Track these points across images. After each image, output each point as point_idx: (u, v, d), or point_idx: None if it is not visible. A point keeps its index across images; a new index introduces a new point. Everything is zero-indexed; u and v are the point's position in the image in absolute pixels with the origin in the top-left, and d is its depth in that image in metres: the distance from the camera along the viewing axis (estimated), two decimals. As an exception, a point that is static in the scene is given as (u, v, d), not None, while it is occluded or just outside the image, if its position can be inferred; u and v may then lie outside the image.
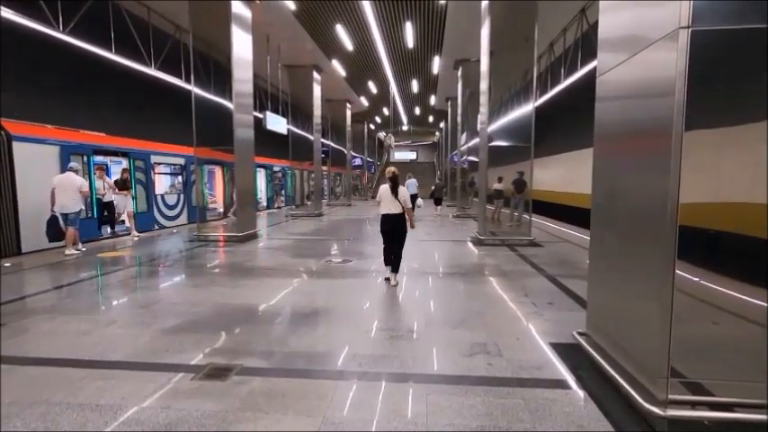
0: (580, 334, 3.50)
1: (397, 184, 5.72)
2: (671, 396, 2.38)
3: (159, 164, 12.72)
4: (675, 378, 2.40)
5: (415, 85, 23.15)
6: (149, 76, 12.10)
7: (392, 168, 5.97)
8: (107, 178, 10.36)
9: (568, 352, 3.47)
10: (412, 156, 51.18)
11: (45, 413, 2.60)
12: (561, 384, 2.98)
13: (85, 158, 9.92)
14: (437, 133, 42.49)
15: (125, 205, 10.57)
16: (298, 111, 17.71)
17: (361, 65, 18.45)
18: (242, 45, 10.01)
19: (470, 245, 9.53)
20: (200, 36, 9.95)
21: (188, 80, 10.36)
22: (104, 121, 11.96)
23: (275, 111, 15.82)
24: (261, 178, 20.00)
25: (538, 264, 7.20)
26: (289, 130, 16.52)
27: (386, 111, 30.43)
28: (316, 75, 17.26)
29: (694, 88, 2.25)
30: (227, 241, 9.79)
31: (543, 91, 15.48)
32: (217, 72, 9.94)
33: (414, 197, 17.49)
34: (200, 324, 4.25)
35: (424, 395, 2.83)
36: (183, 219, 13.66)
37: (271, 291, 5.50)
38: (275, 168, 22.52)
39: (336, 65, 17.80)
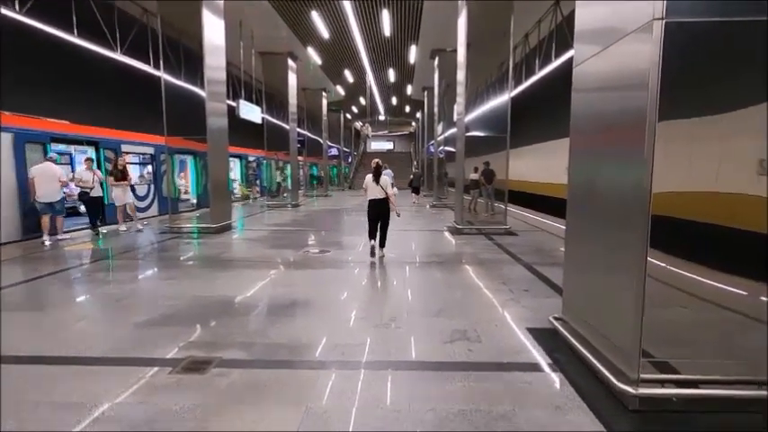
0: (556, 319, 3.61)
1: (380, 173, 6.71)
2: (642, 375, 2.49)
3: (129, 153, 12.25)
4: (646, 359, 2.51)
5: (391, 75, 23.00)
6: (119, 63, 11.58)
7: (376, 160, 6.98)
8: (97, 171, 9.51)
9: (545, 336, 3.57)
10: (389, 146, 51.10)
11: (15, 412, 2.49)
12: (539, 368, 3.07)
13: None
14: (414, 123, 42.51)
15: (124, 198, 9.75)
16: (273, 100, 17.34)
17: (338, 53, 18.17)
18: (214, 30, 9.69)
19: (448, 234, 9.63)
20: (169, 20, 9.57)
21: (157, 66, 9.97)
22: (70, 109, 11.41)
23: (249, 99, 15.46)
24: (235, 169, 19.58)
25: (514, 252, 7.35)
26: (263, 119, 16.19)
27: (362, 100, 30.17)
28: (291, 62, 16.92)
29: (668, 80, 2.32)
30: (201, 233, 9.56)
31: (519, 82, 15.68)
32: (188, 59, 9.60)
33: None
34: (176, 317, 4.15)
35: (405, 382, 2.86)
36: (154, 210, 13.25)
37: (249, 282, 5.42)
38: (250, 158, 22.07)
39: (312, 52, 17.48)
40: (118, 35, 11.33)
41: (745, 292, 2.50)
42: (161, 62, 9.56)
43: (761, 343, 2.52)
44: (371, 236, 6.87)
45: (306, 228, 11.11)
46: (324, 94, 24.58)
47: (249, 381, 2.88)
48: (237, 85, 16.76)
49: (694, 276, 2.52)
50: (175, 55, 9.72)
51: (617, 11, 2.81)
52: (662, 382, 2.54)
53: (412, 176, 20.40)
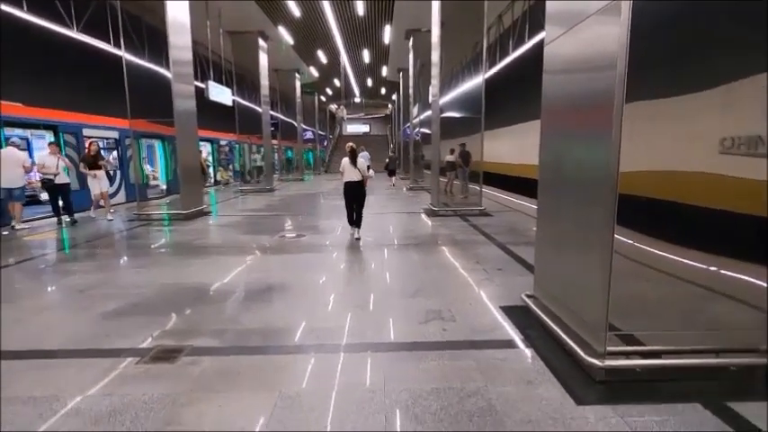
0: (528, 296, 3.68)
1: (356, 156, 6.96)
2: (608, 348, 2.57)
3: (91, 138, 11.67)
4: (613, 332, 2.59)
5: (366, 56, 22.63)
6: (78, 42, 10.92)
7: (351, 144, 7.19)
8: (62, 156, 8.87)
9: (517, 314, 3.64)
10: (365, 128, 50.62)
11: (-32, 410, 2.37)
12: (511, 344, 3.13)
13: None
14: (390, 105, 42.17)
15: (99, 186, 9.31)
16: (244, 81, 16.79)
17: (310, 33, 17.68)
18: (178, 7, 9.23)
19: (424, 216, 9.67)
20: (129, -5, 9.05)
21: (118, 45, 9.45)
22: (23, 90, 10.73)
23: (219, 81, 14.93)
24: (206, 152, 19.00)
25: (489, 233, 7.44)
26: (234, 101, 15.70)
27: (337, 82, 29.63)
28: (262, 42, 16.37)
29: (634, 61, 2.32)
30: (172, 219, 9.28)
31: (494, 63, 15.67)
32: (152, 38, 9.13)
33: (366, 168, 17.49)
34: (145, 306, 4.02)
35: (381, 363, 2.87)
36: (121, 197, 12.76)
37: (221, 269, 5.31)
38: (222, 142, 21.47)
39: (284, 32, 16.96)
40: (73, 11, 10.64)
41: (704, 266, 2.59)
42: (122, 40, 9.05)
43: (718, 313, 2.64)
44: (351, 220, 7.17)
45: (281, 212, 10.94)
46: (297, 75, 23.98)
47: (222, 368, 2.83)
48: (206, 66, 16.16)
49: (659, 252, 2.59)
50: (138, 33, 9.23)
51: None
52: (627, 354, 2.63)
53: (388, 159, 20.34)
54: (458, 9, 9.71)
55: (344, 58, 22.61)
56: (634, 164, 2.44)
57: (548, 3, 3.32)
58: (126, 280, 4.97)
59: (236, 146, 20.92)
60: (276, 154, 24.87)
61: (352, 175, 6.92)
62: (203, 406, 2.39)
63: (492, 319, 3.59)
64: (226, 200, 13.84)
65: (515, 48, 13.34)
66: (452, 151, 11.62)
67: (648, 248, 2.59)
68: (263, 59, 16.60)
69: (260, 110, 16.71)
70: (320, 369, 2.80)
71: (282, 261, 5.83)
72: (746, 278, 2.54)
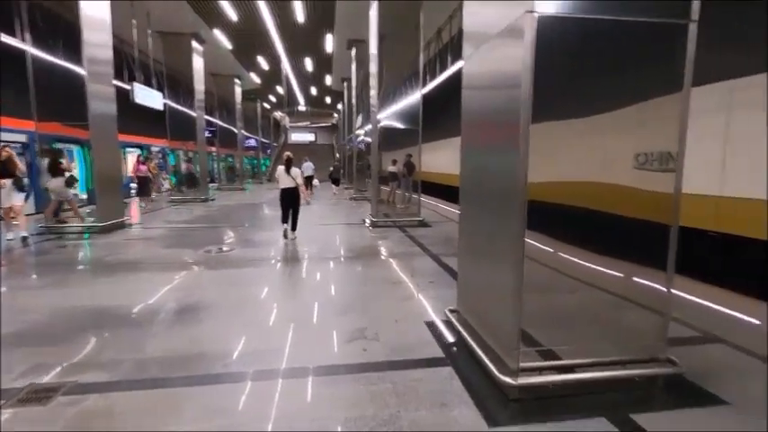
0: (451, 311, 3.64)
1: (291, 165, 7.56)
2: (522, 364, 2.55)
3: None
4: (534, 348, 2.58)
5: (309, 64, 22.33)
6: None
7: (288, 153, 7.84)
8: None
9: (440, 329, 3.58)
10: (310, 137, 49.89)
11: None
12: (431, 363, 3.04)
13: None
14: (336, 115, 41.98)
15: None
16: (179, 85, 15.87)
17: (249, 38, 17.12)
18: (94, 3, 8.50)
19: (363, 227, 9.54)
20: (36, -14, 8.22)
21: (22, 38, 8.52)
22: None
23: (149, 83, 13.99)
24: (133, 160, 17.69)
25: (425, 244, 7.46)
26: (166, 105, 14.78)
27: (280, 89, 29.00)
28: (196, 45, 15.60)
29: (542, 80, 2.35)
30: (86, 232, 8.43)
31: (434, 76, 16.04)
32: (69, 35, 8.33)
33: (309, 179, 17.23)
34: (30, 335, 3.52)
35: (291, 393, 2.66)
36: (30, 207, 11.45)
37: (131, 289, 4.82)
38: (153, 149, 20.16)
39: (220, 36, 16.30)
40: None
41: (620, 274, 2.66)
42: (24, 33, 8.17)
43: (629, 323, 2.72)
44: (284, 220, 7.79)
45: (212, 224, 10.33)
46: (237, 81, 23.16)
47: (105, 407, 2.47)
48: (134, 68, 15.09)
49: (579, 261, 2.64)
50: (53, 30, 8.40)
51: (495, 8, 2.81)
52: (541, 370, 2.63)
53: (332, 169, 20.15)
54: (397, 22, 9.81)
55: (286, 66, 22.15)
56: (559, 175, 2.50)
57: (465, 19, 3.35)
58: (15, 304, 4.35)
59: (170, 152, 19.74)
60: (218, 162, 23.78)
61: (287, 182, 7.54)
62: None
63: (415, 337, 3.49)
64: (153, 211, 12.90)
65: (453, 62, 13.74)
66: (395, 162, 11.69)
67: (566, 256, 2.63)
68: (198, 63, 15.83)
69: (195, 114, 15.87)
70: (220, 404, 2.54)
71: (203, 279, 5.42)
72: (655, 285, 2.65)
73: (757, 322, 3.66)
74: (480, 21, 3.14)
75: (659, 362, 2.69)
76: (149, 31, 13.98)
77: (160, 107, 14.01)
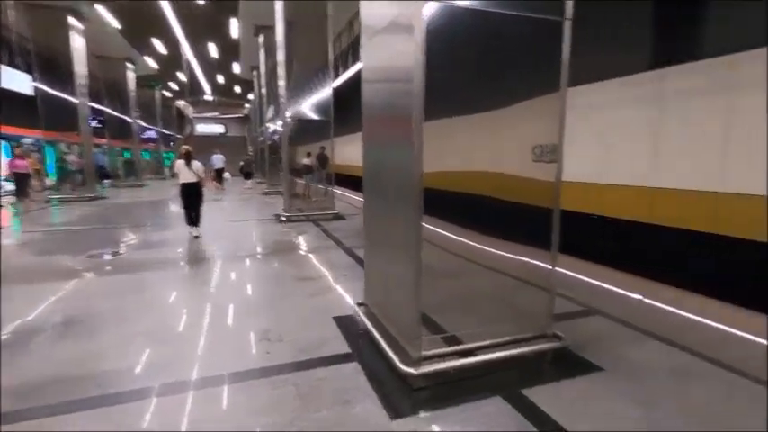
0: (359, 304, 3.59)
1: (190, 158, 7.09)
2: (425, 353, 2.57)
3: None
4: (437, 334, 2.62)
5: (213, 50, 20.85)
6: None
7: (186, 147, 7.42)
8: None
9: (349, 324, 3.51)
10: (220, 129, 46.77)
11: None
12: (336, 360, 2.95)
13: None
14: (247, 105, 39.88)
15: None
16: (57, 67, 13.69)
17: (140, 16, 15.46)
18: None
19: (276, 223, 9.16)
20: None
21: None
22: None
23: (13, 64, 11.96)
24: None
25: (339, 237, 7.36)
26: (38, 89, 12.77)
27: (182, 76, 26.74)
28: (74, 21, 13.65)
29: (433, 77, 2.34)
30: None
31: (347, 68, 15.89)
32: None
33: (220, 171, 16.22)
34: None
35: (187, 406, 2.40)
36: None
37: (5, 306, 4.06)
38: (26, 140, 17.40)
39: (104, 12, 14.47)
40: None
41: (516, 256, 2.81)
42: None
43: (523, 302, 2.89)
44: (189, 221, 7.36)
45: (103, 225, 9.19)
46: (129, 65, 20.83)
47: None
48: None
49: (480, 246, 2.73)
50: None
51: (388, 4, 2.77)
52: (443, 356, 2.68)
53: (242, 163, 19.16)
54: (304, 9, 9.49)
55: (187, 50, 20.45)
56: (458, 166, 2.59)
57: (361, 11, 3.27)
58: None
59: (47, 145, 17.19)
60: (110, 156, 21.24)
61: (188, 176, 7.09)
62: None
63: (322, 334, 3.38)
64: (25, 212, 11.12)
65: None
66: (309, 155, 11.39)
67: (469, 242, 2.71)
68: (78, 42, 13.90)
69: (77, 101, 13.94)
70: (98, 426, 2.21)
71: (96, 287, 4.74)
72: (543, 264, 2.84)
73: (631, 294, 4.14)
74: (375, 12, 3.07)
75: (547, 337, 2.90)
76: (12, 2, 11.92)
77: (29, 91, 12.07)
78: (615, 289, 4.31)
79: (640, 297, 4.05)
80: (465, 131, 2.67)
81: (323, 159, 10.21)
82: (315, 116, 9.92)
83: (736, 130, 4.22)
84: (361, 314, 3.40)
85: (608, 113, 5.71)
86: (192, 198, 7.22)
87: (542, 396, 2.47)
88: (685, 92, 4.73)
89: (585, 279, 4.60)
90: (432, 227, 2.58)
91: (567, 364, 2.83)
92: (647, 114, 5.12)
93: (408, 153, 2.45)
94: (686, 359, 2.91)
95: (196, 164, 7.10)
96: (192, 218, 7.34)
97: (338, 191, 9.92)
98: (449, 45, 2.43)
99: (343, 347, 3.14)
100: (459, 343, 2.78)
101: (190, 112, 40.28)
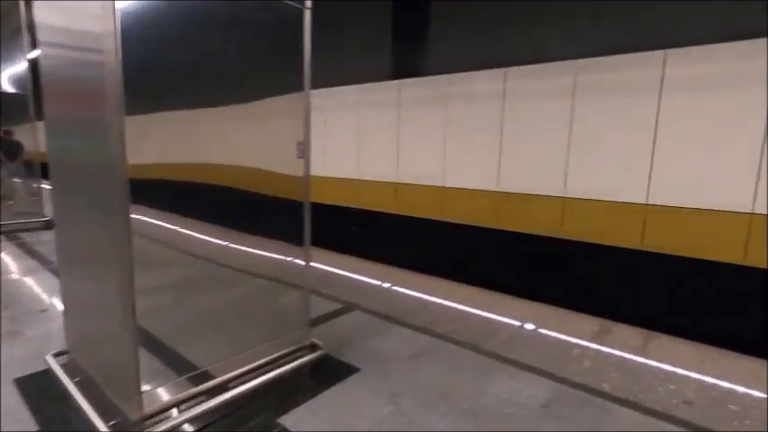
0: (57, 354, 2.57)
1: None
2: (147, 410, 1.95)
3: None
4: (183, 376, 2.04)
5: None
6: None
7: None
8: None
9: (39, 384, 2.47)
10: None
11: None
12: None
13: None
14: None
15: None
16: None
17: None
18: None
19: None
20: None
21: None
22: None
23: None
24: None
25: (47, 254, 5.47)
26: None
27: None
28: None
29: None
30: None
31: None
32: None
33: None
34: None
35: None
36: None
37: None
38: None
39: None
40: None
41: (275, 255, 2.49)
42: None
43: (279, 310, 2.59)
44: None
45: None
46: None
47: None
48: None
49: (226, 244, 2.29)
50: None
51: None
52: (183, 402, 2.11)
53: None
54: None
55: None
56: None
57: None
58: None
59: None
60: None
61: None
62: None
63: (-9, 409, 2.25)
64: None
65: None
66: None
67: (217, 241, 2.23)
68: None
69: None
70: None
71: None
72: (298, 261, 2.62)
73: (381, 284, 4.45)
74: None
75: (304, 349, 2.70)
76: None
77: None
78: (369, 280, 4.58)
79: (389, 285, 4.41)
80: (214, 122, 2.18)
81: (9, 148, 7.31)
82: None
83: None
84: (58, 368, 2.42)
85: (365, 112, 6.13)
86: None
87: (299, 417, 2.25)
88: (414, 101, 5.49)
89: (346, 274, 4.74)
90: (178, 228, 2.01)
91: (325, 373, 2.69)
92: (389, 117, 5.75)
93: (106, 139, 1.76)
94: (425, 341, 3.22)
95: None
96: None
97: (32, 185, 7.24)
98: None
99: (24, 425, 2.14)
100: (209, 378, 2.26)
101: None
